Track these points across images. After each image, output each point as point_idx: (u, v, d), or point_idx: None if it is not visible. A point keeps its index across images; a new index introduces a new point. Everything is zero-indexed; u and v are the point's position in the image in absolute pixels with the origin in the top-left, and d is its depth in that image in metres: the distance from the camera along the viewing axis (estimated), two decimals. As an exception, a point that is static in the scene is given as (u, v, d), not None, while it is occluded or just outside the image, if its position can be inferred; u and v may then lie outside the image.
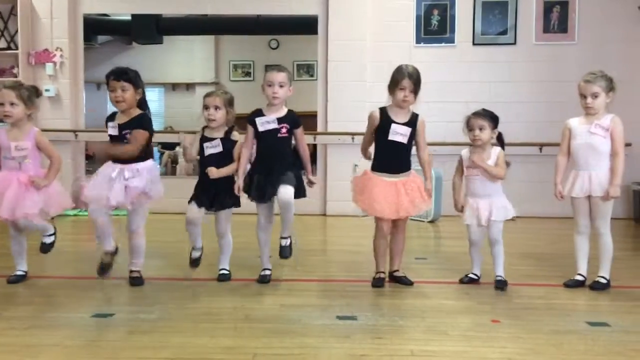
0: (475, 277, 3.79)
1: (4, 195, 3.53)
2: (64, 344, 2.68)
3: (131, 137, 3.58)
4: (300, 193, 3.69)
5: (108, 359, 2.52)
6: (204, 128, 3.80)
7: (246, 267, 4.12)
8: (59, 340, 2.71)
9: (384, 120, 3.66)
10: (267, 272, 3.81)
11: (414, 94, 3.62)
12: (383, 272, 3.78)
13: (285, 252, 3.73)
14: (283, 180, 3.57)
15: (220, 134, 3.75)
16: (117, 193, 3.52)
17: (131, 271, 3.75)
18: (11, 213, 3.53)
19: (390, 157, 3.68)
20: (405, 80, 3.60)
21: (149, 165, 3.67)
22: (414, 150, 3.76)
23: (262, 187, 3.64)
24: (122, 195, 3.53)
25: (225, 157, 3.71)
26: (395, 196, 3.61)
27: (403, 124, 3.65)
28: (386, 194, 3.61)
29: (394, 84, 3.64)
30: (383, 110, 3.71)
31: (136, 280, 3.72)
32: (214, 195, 3.71)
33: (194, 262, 3.85)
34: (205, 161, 3.73)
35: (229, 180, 3.72)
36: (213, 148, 3.73)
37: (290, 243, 3.75)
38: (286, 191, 3.55)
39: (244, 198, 3.73)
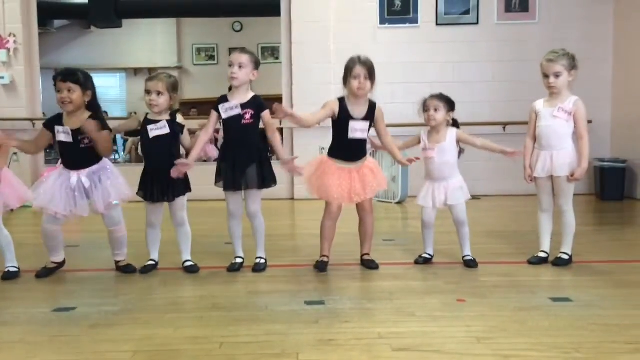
0: (429, 257, 3.83)
1: None
2: (26, 340, 2.60)
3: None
4: (269, 182, 3.65)
5: (71, 354, 2.46)
6: (147, 113, 3.67)
7: (213, 255, 4.07)
8: (20, 337, 2.64)
9: (343, 115, 3.60)
10: (239, 261, 3.75)
11: (369, 80, 3.55)
12: (327, 257, 3.75)
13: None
14: (250, 182, 3.56)
15: (165, 116, 3.61)
16: (83, 208, 3.49)
17: (117, 262, 3.74)
18: None
19: (348, 149, 3.66)
20: (357, 67, 3.53)
21: (105, 165, 3.59)
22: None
23: (229, 176, 3.57)
24: (87, 208, 3.50)
25: (172, 138, 3.57)
26: (349, 182, 3.61)
27: (362, 119, 3.61)
28: (340, 180, 3.61)
29: (347, 74, 3.59)
30: (342, 103, 3.63)
31: (127, 268, 3.71)
32: (163, 185, 3.57)
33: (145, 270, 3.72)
34: (151, 144, 3.58)
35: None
36: (159, 130, 3.56)
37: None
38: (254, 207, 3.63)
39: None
